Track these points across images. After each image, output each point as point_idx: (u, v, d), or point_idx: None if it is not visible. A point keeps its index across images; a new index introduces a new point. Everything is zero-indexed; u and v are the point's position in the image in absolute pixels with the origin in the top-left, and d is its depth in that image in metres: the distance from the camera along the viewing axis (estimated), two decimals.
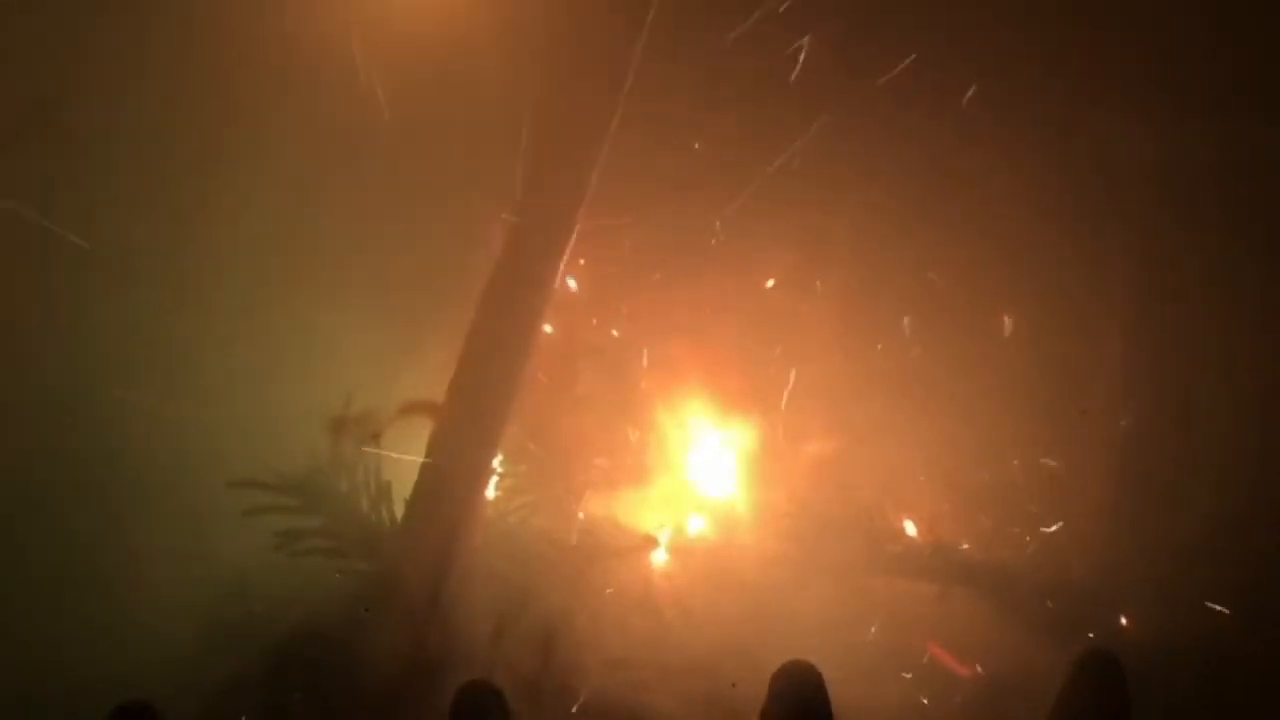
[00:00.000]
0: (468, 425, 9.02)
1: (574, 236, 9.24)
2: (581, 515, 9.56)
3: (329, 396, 9.04)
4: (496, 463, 9.43)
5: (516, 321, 9.14)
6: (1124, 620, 8.86)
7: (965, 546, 9.45)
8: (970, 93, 9.26)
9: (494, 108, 9.20)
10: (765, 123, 9.49)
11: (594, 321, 9.96)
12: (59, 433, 9.08)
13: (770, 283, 9.94)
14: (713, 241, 9.70)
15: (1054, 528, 9.47)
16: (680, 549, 9.65)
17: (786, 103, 9.40)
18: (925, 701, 8.67)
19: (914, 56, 9.19)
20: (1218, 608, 8.70)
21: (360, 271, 9.28)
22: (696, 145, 9.60)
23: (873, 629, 9.07)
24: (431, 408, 9.04)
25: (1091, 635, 8.41)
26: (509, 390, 9.17)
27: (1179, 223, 9.37)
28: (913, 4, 9.30)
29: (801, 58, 9.30)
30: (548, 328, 9.47)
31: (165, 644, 8.19)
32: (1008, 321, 9.70)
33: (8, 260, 9.02)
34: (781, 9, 9.16)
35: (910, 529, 9.61)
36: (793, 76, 9.34)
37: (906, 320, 9.75)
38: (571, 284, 9.82)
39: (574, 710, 8.32)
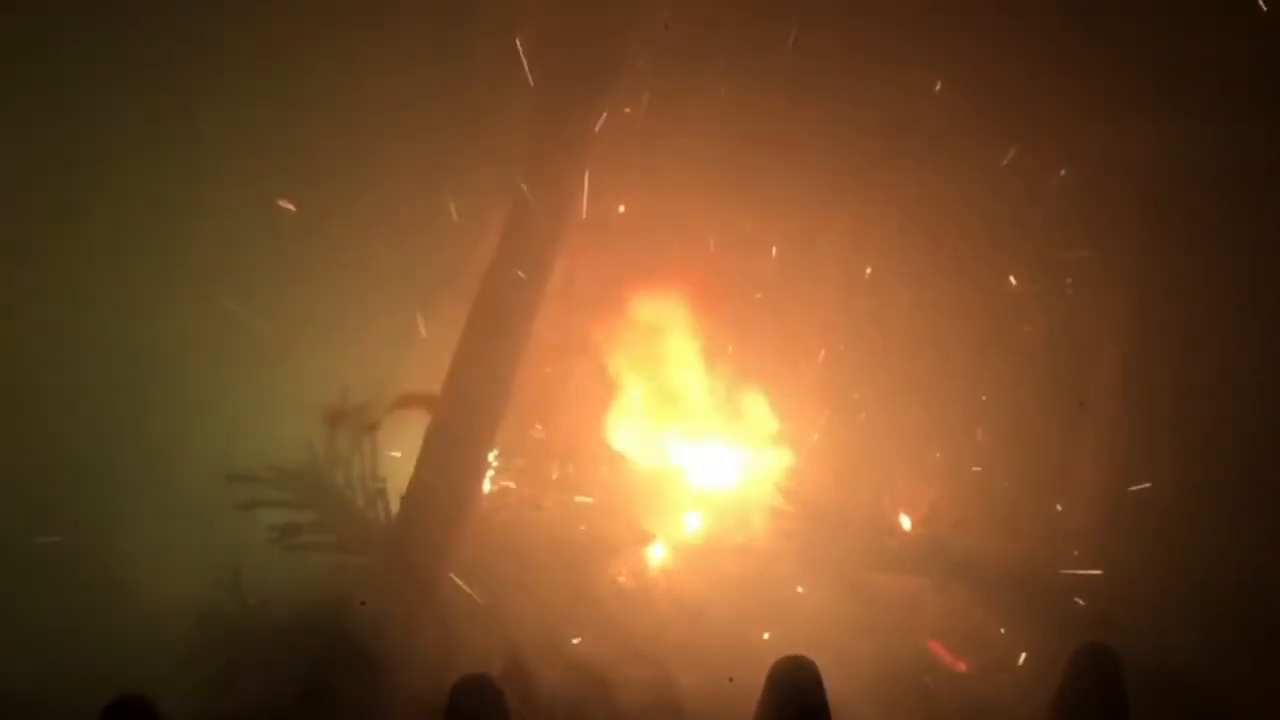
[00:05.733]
0: (464, 418, 9.01)
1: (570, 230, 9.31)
2: (578, 510, 9.53)
3: (325, 389, 9.04)
4: (492, 457, 9.41)
5: (512, 314, 9.13)
6: (1122, 615, 8.85)
7: (963, 542, 9.44)
8: (971, 90, 9.26)
9: (491, 100, 9.20)
10: (762, 120, 9.49)
11: (590, 316, 9.92)
12: (54, 426, 9.06)
13: (766, 277, 9.91)
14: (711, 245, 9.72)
15: (1053, 523, 9.47)
16: (677, 544, 9.64)
17: (780, 94, 9.40)
18: (923, 696, 8.65)
19: (914, 55, 9.21)
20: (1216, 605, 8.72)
21: (356, 263, 9.27)
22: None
23: (870, 624, 9.05)
24: (427, 400, 9.03)
25: (1089, 630, 8.40)
26: (505, 384, 9.15)
27: (1178, 219, 9.37)
28: (915, 3, 9.30)
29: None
30: (543, 321, 9.44)
31: (160, 638, 8.17)
32: (1006, 316, 9.69)
33: (4, 255, 9.00)
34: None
35: (907, 524, 9.60)
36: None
37: (904, 316, 9.74)
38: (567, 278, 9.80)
39: (570, 704, 8.30)
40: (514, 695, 6.86)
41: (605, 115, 9.26)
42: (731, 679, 7.57)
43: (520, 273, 9.06)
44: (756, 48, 9.34)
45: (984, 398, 9.56)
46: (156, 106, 9.03)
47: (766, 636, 8.68)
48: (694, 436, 9.95)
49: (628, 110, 9.43)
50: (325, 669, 8.02)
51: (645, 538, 9.54)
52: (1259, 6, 8.79)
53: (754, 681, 5.99)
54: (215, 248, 9.13)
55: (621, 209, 9.77)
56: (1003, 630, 9.04)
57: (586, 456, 9.73)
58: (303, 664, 8.06)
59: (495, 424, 9.18)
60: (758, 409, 9.88)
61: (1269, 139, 9.13)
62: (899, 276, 9.67)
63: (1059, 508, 9.49)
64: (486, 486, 9.38)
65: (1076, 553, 9.25)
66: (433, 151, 9.25)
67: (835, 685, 5.96)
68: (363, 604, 8.27)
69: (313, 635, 8.17)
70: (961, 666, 8.98)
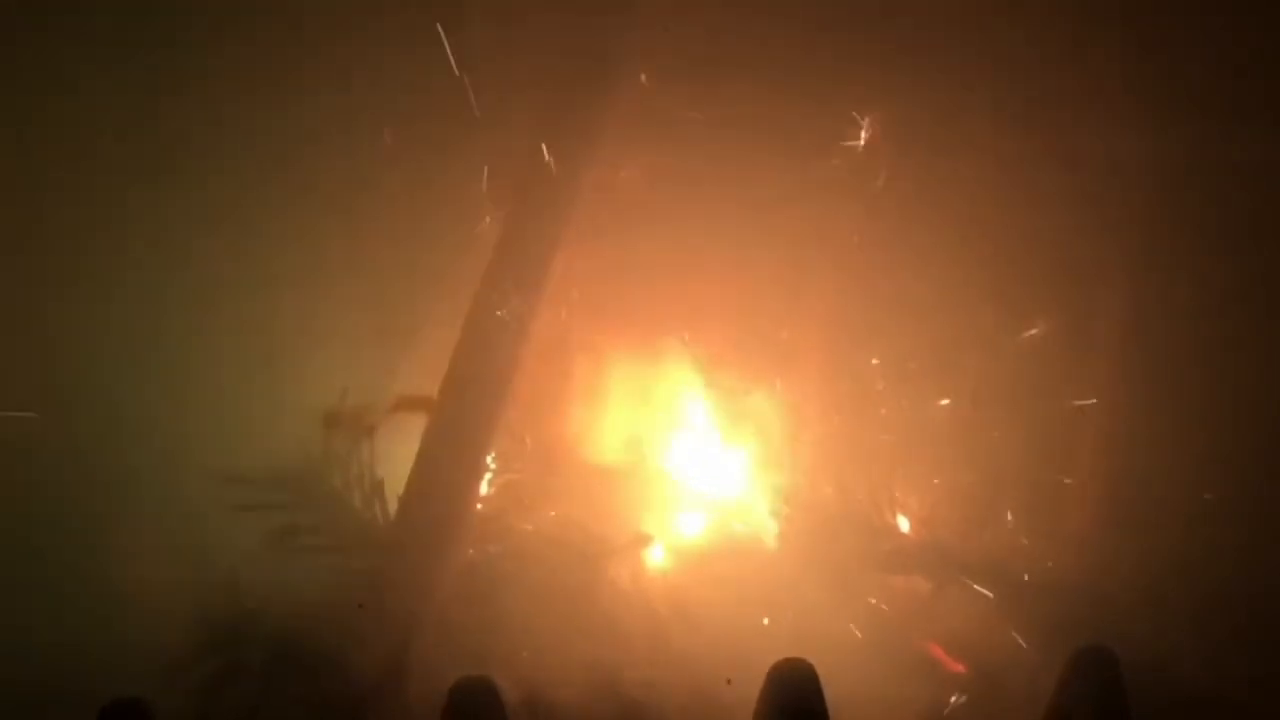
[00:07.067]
0: (462, 421, 9.00)
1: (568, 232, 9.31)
2: (576, 511, 9.52)
3: (323, 391, 9.03)
4: (490, 459, 9.41)
5: (510, 316, 9.13)
6: (1122, 617, 8.85)
7: (961, 544, 9.44)
8: (966, 92, 9.25)
9: (490, 100, 9.20)
10: (760, 126, 9.48)
11: (588, 318, 9.91)
12: (51, 428, 9.06)
13: (762, 280, 9.91)
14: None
15: (1051, 525, 9.47)
16: (675, 546, 9.63)
17: (781, 102, 9.39)
18: (921, 699, 8.65)
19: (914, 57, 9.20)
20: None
21: (355, 266, 9.27)
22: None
23: (868, 626, 9.05)
24: (425, 403, 9.03)
25: (1088, 632, 8.39)
26: (503, 386, 9.15)
27: (1177, 222, 9.37)
28: (912, 6, 9.29)
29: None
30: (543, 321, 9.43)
31: (156, 640, 8.16)
32: (1003, 321, 9.69)
33: (8, 258, 9.01)
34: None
35: (905, 526, 9.60)
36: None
37: (902, 320, 9.74)
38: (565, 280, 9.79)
39: (568, 706, 8.29)
40: (519, 704, 6.87)
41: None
42: (730, 681, 7.57)
43: (516, 276, 9.08)
44: (757, 49, 9.35)
45: (982, 401, 9.56)
46: (155, 114, 9.05)
47: (766, 622, 8.68)
48: (693, 438, 9.94)
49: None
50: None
51: (644, 540, 9.54)
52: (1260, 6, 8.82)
53: (753, 684, 5.98)
54: (215, 250, 9.14)
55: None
56: (1002, 632, 9.04)
57: (585, 458, 9.73)
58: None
59: (493, 426, 9.18)
60: (756, 410, 9.87)
61: (1269, 139, 9.15)
62: (899, 276, 9.67)
63: (1059, 509, 9.50)
64: (484, 489, 9.38)
65: (1076, 555, 9.26)
66: (431, 152, 9.26)
67: (834, 688, 5.95)
68: (360, 606, 8.28)
69: (307, 638, 8.18)
70: (960, 668, 8.97)
